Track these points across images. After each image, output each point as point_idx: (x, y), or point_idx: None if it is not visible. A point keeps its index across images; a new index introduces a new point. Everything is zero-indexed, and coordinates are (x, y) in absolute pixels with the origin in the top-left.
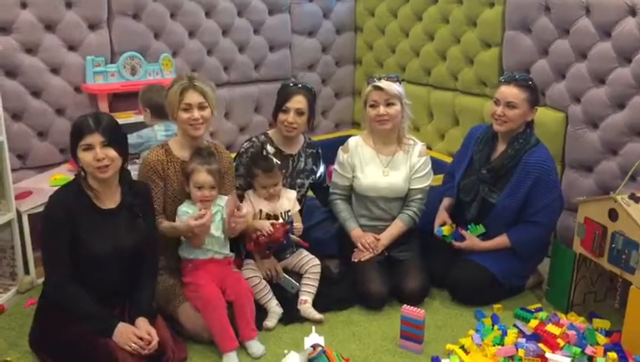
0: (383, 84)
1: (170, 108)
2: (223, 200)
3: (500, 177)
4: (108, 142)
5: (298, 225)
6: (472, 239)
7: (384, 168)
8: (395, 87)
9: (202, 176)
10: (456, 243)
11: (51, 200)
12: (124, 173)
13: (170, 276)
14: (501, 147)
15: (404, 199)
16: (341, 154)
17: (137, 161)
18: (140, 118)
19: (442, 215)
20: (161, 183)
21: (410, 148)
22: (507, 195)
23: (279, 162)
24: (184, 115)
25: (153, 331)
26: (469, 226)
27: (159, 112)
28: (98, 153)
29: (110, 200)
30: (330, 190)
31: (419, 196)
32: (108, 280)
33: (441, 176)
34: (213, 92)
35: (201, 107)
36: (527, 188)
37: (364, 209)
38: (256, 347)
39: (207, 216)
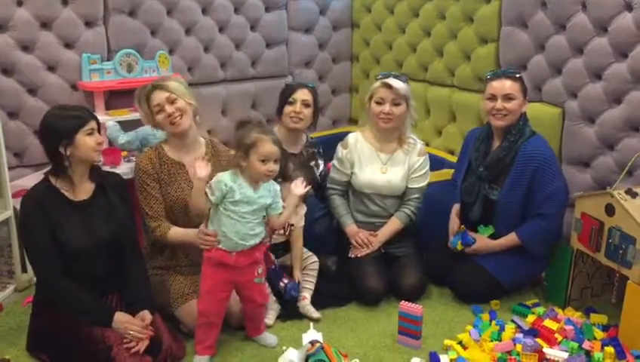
0: (393, 82)
1: (147, 120)
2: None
3: (499, 173)
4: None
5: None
6: (482, 240)
7: (382, 165)
8: (403, 87)
9: (268, 146)
10: (469, 250)
11: (24, 200)
12: (93, 166)
13: (172, 275)
14: (497, 144)
15: (400, 197)
16: (340, 150)
17: (133, 158)
18: (137, 116)
19: (454, 224)
20: (156, 185)
21: (410, 148)
22: (508, 190)
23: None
24: (160, 117)
25: (150, 317)
26: (478, 228)
27: None
28: (98, 137)
29: (82, 191)
30: (328, 185)
31: (416, 195)
32: (93, 272)
33: (438, 173)
34: (181, 84)
35: (170, 101)
36: (527, 179)
37: (361, 205)
38: (269, 339)
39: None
